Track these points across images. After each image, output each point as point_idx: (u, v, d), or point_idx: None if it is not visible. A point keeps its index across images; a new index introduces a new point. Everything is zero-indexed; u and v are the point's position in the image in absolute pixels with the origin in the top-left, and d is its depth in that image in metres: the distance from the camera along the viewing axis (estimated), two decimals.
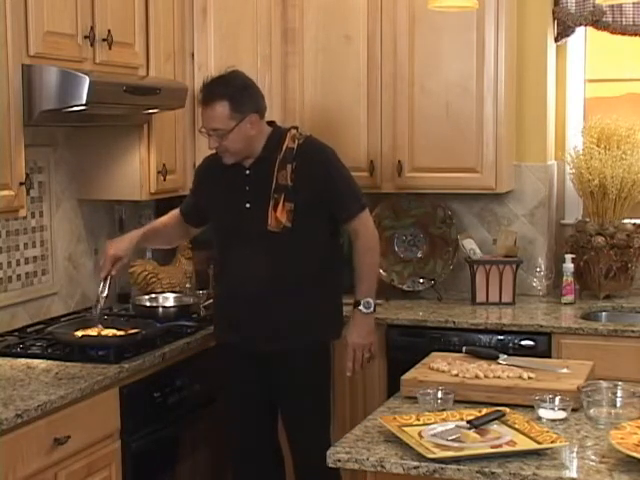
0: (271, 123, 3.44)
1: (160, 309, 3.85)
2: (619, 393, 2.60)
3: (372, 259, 3.46)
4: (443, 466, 2.23)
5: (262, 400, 3.45)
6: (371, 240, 3.44)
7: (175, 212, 3.64)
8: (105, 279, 3.37)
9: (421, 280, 4.33)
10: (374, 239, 3.46)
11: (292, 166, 3.29)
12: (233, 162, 3.35)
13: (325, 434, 3.40)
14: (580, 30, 4.39)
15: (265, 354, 3.36)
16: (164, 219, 3.65)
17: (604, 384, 2.63)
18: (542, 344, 3.79)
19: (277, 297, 3.32)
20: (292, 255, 3.31)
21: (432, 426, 2.42)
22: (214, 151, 3.40)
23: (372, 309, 3.44)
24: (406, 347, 3.89)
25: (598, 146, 4.25)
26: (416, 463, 2.25)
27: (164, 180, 3.91)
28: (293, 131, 3.40)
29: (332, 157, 3.42)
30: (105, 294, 3.39)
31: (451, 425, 2.41)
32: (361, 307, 3.43)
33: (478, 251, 4.26)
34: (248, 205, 3.33)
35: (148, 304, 3.92)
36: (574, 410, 2.56)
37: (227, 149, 3.30)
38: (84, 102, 3.17)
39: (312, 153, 3.36)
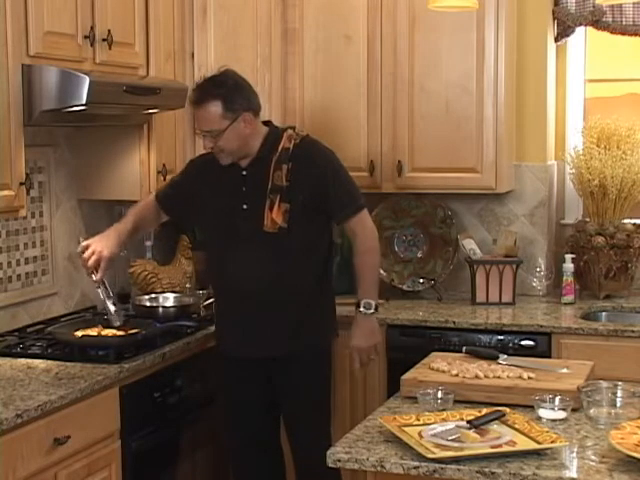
0: (267, 123, 3.43)
1: (160, 309, 3.85)
2: (619, 393, 2.60)
3: (371, 260, 3.43)
4: (443, 466, 2.23)
5: (263, 401, 3.44)
6: (369, 241, 3.42)
7: (149, 201, 3.58)
8: (102, 281, 3.37)
9: (421, 280, 4.33)
10: (373, 240, 3.43)
11: (288, 166, 3.28)
12: (229, 162, 3.33)
13: (326, 435, 3.39)
14: (580, 30, 4.40)
15: (265, 357, 3.35)
16: (141, 211, 3.56)
17: (604, 384, 2.63)
18: (542, 344, 3.79)
19: (275, 299, 3.31)
20: (289, 256, 3.30)
21: (432, 426, 2.42)
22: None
23: (373, 309, 3.41)
24: (406, 347, 3.89)
25: (598, 146, 4.25)
26: (416, 463, 2.25)
27: (164, 180, 3.90)
28: (290, 131, 3.38)
29: (328, 157, 3.40)
30: (111, 295, 3.39)
31: (451, 425, 2.41)
32: (361, 308, 3.41)
33: (478, 251, 4.26)
34: (245, 206, 3.32)
35: (148, 304, 3.91)
36: (574, 410, 2.56)
37: (222, 149, 3.28)
38: (84, 102, 3.17)
39: (308, 153, 3.34)
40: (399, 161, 4.22)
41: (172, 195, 3.54)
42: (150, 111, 3.74)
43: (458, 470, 2.22)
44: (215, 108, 3.23)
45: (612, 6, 4.23)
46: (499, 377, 2.77)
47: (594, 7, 4.25)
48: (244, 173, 3.34)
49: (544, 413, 2.55)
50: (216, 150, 3.30)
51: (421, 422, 2.46)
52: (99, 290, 3.39)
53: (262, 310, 3.32)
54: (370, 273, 3.44)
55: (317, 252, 3.39)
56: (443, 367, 2.87)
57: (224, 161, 3.33)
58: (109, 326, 3.45)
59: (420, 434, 2.37)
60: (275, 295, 3.31)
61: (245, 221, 3.31)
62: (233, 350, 3.41)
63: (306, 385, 3.37)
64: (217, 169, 3.38)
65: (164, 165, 3.90)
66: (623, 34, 4.29)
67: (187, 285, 4.16)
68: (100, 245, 3.33)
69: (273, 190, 3.27)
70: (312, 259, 3.36)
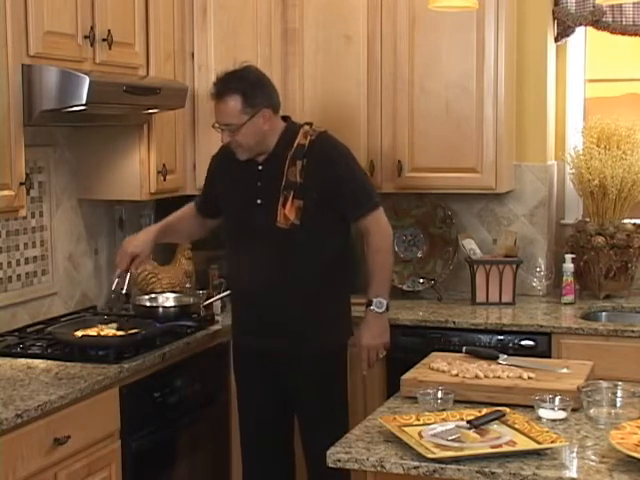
0: (286, 118, 3.42)
1: (160, 309, 3.85)
2: (619, 393, 2.60)
3: (384, 259, 3.41)
4: (443, 466, 2.23)
5: (273, 400, 3.42)
6: (383, 239, 3.40)
7: (190, 205, 3.62)
8: (122, 275, 3.37)
9: (421, 280, 4.33)
10: (386, 239, 3.42)
11: (302, 163, 3.27)
12: (247, 158, 3.33)
13: (338, 437, 3.33)
14: (580, 30, 4.40)
15: (266, 351, 3.34)
16: (179, 213, 3.61)
17: (604, 384, 2.63)
18: (542, 344, 3.79)
19: (287, 296, 3.30)
20: (301, 253, 3.29)
21: (432, 426, 2.42)
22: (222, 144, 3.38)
23: (384, 309, 3.40)
24: (406, 347, 3.89)
25: (598, 146, 4.25)
26: (416, 463, 2.25)
27: (164, 180, 3.91)
28: (306, 127, 3.37)
29: (343, 154, 3.39)
30: (124, 290, 3.39)
31: (451, 425, 2.41)
32: (373, 307, 3.38)
33: (478, 251, 4.26)
34: (259, 201, 3.32)
35: (148, 304, 3.92)
36: (574, 410, 2.56)
37: (240, 144, 3.28)
38: (84, 102, 3.17)
39: (323, 150, 3.33)
40: (399, 161, 4.22)
41: (204, 194, 3.58)
42: (150, 111, 3.74)
43: (458, 470, 2.22)
44: (234, 102, 3.24)
45: (612, 6, 4.23)
46: (499, 377, 2.77)
47: (594, 7, 4.25)
48: (260, 168, 3.34)
49: (544, 413, 2.55)
50: (233, 145, 3.30)
51: (421, 422, 2.45)
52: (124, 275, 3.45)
53: (272, 308, 3.30)
54: (382, 272, 3.41)
55: (330, 251, 3.35)
56: (443, 367, 2.87)
57: (241, 156, 3.33)
58: (108, 325, 3.46)
59: (420, 434, 2.37)
60: (280, 291, 3.30)
61: (259, 216, 3.31)
62: (240, 340, 3.43)
63: (315, 386, 3.35)
64: (235, 164, 3.37)
65: (164, 165, 3.91)
66: (623, 34, 4.29)
67: (187, 285, 4.16)
68: (127, 242, 3.46)
69: (287, 186, 3.26)
70: (324, 258, 3.33)
